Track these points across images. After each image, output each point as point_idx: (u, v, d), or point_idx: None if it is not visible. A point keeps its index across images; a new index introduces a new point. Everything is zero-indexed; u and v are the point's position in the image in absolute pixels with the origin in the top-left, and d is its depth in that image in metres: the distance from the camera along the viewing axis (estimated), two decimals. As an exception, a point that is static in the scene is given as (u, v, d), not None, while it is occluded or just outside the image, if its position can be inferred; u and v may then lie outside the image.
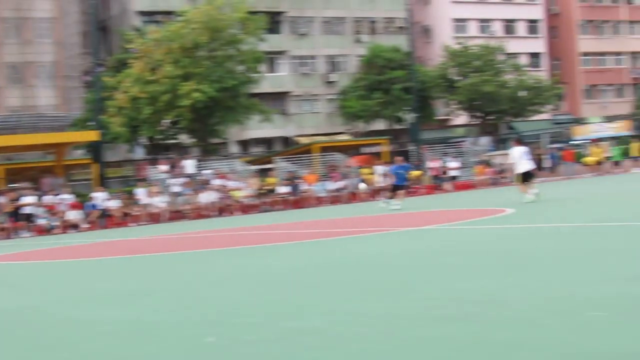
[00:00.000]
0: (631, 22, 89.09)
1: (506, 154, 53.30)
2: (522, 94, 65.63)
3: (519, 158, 25.83)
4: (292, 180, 44.74)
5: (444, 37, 74.07)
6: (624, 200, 22.64)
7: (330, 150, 54.51)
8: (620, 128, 58.52)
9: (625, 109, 79.78)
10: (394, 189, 31.09)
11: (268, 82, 65.98)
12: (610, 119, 72.06)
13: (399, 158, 34.10)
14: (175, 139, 55.98)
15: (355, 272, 10.51)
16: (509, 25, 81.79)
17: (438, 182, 48.74)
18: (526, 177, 25.95)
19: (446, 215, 22.41)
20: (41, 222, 37.29)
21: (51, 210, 38.28)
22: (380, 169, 47.75)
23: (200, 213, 40.47)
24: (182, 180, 43.25)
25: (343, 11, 72.78)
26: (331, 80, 70.91)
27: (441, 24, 78.25)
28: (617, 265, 8.70)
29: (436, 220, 21.01)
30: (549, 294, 7.23)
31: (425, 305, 7.23)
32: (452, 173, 49.47)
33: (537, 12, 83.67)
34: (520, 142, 27.80)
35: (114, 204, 40.01)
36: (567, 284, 7.70)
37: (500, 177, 50.27)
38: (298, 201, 43.52)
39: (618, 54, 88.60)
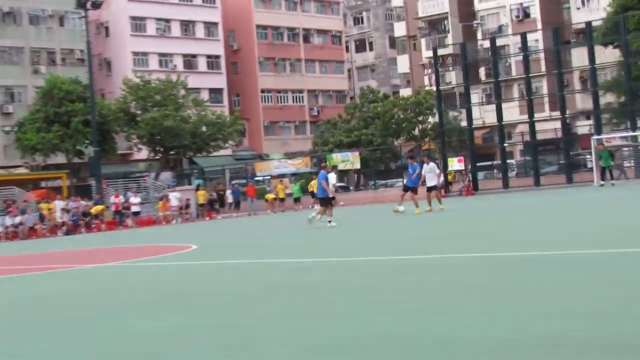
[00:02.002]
0: (308, 60, 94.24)
1: (188, 190, 55.67)
2: (204, 129, 67.74)
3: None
4: (-33, 215, 44.55)
5: (125, 70, 75.90)
6: (310, 237, 22.99)
7: (7, 184, 54.41)
8: (301, 165, 61.84)
9: (305, 145, 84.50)
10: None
11: (-61, 112, 64.81)
12: (290, 155, 75.20)
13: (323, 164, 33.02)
14: None
15: (28, 314, 10.41)
16: (190, 60, 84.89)
17: (120, 217, 49.71)
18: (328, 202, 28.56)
19: (133, 252, 22.51)
20: None
21: None
22: (60, 203, 48.14)
23: None
24: None
25: (20, 41, 72.82)
26: (8, 111, 70.38)
27: (122, 57, 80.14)
28: (301, 304, 9.00)
29: (122, 256, 20.97)
30: (232, 333, 7.42)
31: (112, 344, 7.41)
32: (134, 208, 50.29)
33: (217, 48, 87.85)
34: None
35: None
36: (249, 320, 8.04)
37: (184, 212, 51.77)
38: (-27, 237, 43.46)
39: (297, 91, 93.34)
